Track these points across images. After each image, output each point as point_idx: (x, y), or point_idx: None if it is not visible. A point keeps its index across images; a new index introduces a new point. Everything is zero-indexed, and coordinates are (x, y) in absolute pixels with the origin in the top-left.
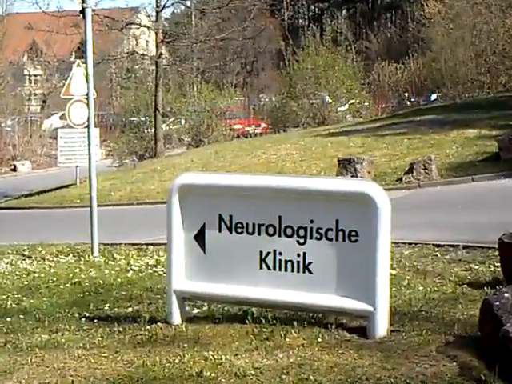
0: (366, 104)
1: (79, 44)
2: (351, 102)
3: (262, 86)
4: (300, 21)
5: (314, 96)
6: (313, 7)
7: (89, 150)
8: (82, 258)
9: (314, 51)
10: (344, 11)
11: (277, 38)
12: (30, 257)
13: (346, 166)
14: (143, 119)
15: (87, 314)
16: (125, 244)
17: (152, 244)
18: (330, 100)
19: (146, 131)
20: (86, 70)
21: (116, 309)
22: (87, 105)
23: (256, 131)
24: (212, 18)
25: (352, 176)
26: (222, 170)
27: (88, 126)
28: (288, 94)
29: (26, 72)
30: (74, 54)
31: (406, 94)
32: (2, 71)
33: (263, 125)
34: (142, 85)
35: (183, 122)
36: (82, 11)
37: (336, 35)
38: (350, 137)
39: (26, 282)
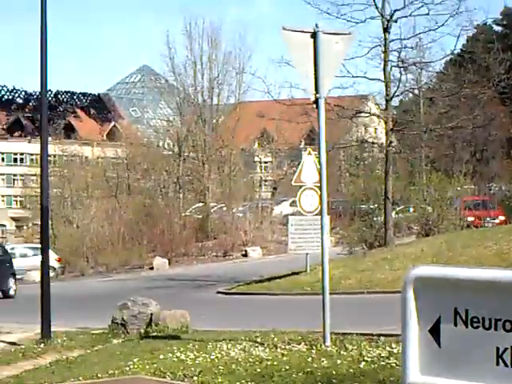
0: None
1: (309, 131)
2: None
3: (492, 174)
4: None
5: None
6: None
7: (321, 238)
8: (313, 347)
9: None
10: None
11: (507, 125)
12: (262, 344)
13: None
14: (372, 207)
15: None
16: (356, 334)
17: (384, 335)
18: None
19: (375, 219)
20: (318, 158)
21: None
22: (319, 192)
23: (490, 223)
24: (441, 105)
25: None
26: (451, 261)
27: (321, 214)
28: None
29: (256, 159)
30: (303, 141)
31: None
32: (234, 158)
33: (501, 217)
34: (371, 172)
35: (412, 210)
36: (316, 101)
37: None
38: None
39: (258, 370)
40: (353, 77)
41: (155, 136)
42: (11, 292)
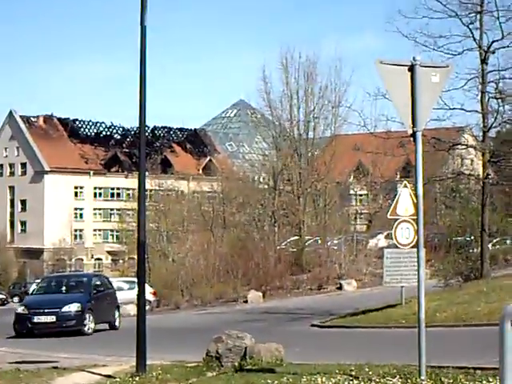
0: None
1: (405, 164)
2: None
3: None
4: None
5: None
6: None
7: (418, 271)
8: (408, 381)
9: None
10: None
11: None
12: (356, 377)
13: None
14: (468, 239)
15: None
16: (452, 367)
17: (480, 368)
18: None
19: (471, 251)
20: (415, 190)
21: None
22: (415, 225)
23: None
24: None
25: None
26: None
27: (417, 247)
28: None
29: (352, 192)
30: (398, 173)
31: None
32: (329, 191)
33: None
34: (467, 204)
35: (509, 242)
36: (413, 135)
37: None
38: None
39: None
40: (450, 109)
41: (251, 170)
42: (116, 323)
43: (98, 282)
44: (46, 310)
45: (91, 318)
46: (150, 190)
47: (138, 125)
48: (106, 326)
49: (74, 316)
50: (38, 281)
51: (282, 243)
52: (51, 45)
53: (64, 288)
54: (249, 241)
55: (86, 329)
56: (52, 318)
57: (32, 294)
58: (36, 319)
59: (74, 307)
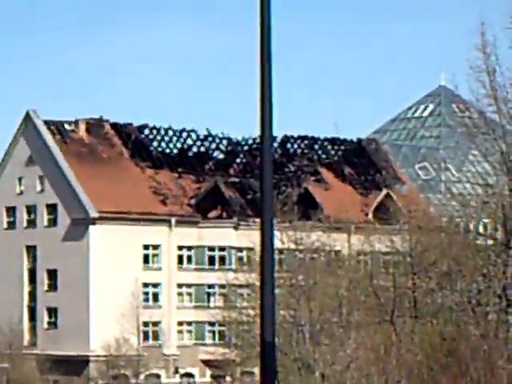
0: None
1: None
2: None
3: None
4: None
5: None
6: None
7: None
8: None
9: None
10: None
11: None
12: None
13: None
14: None
15: None
16: None
17: None
18: None
19: None
20: None
21: None
22: None
23: None
24: None
25: None
26: None
27: None
28: None
29: None
30: None
31: None
32: None
33: None
34: None
35: None
36: None
37: None
38: None
39: None
40: None
41: (462, 213)
42: None
43: None
44: None
45: None
46: (281, 251)
47: (256, 134)
48: None
49: None
50: None
51: None
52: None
53: None
54: (461, 340)
55: None
56: None
57: None
58: None
59: None
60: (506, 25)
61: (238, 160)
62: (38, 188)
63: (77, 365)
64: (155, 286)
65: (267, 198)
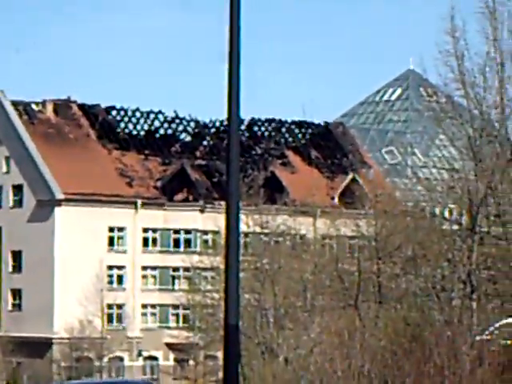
0: None
1: None
2: None
3: None
4: None
5: None
6: None
7: None
8: None
9: None
10: None
11: None
12: None
13: None
14: None
15: None
16: None
17: None
18: None
19: None
20: None
21: None
22: None
23: None
24: None
25: None
26: None
27: None
28: None
29: None
30: None
31: None
32: None
33: None
34: None
35: None
36: None
37: None
38: None
39: None
40: None
41: (428, 197)
42: None
43: None
44: None
45: None
46: (246, 235)
47: (222, 116)
48: None
49: None
50: None
51: (486, 330)
52: None
53: None
54: (424, 326)
55: None
56: None
57: None
58: None
59: None
60: (476, 9)
61: (205, 142)
62: (4, 169)
63: (40, 347)
64: (120, 268)
65: (233, 180)
